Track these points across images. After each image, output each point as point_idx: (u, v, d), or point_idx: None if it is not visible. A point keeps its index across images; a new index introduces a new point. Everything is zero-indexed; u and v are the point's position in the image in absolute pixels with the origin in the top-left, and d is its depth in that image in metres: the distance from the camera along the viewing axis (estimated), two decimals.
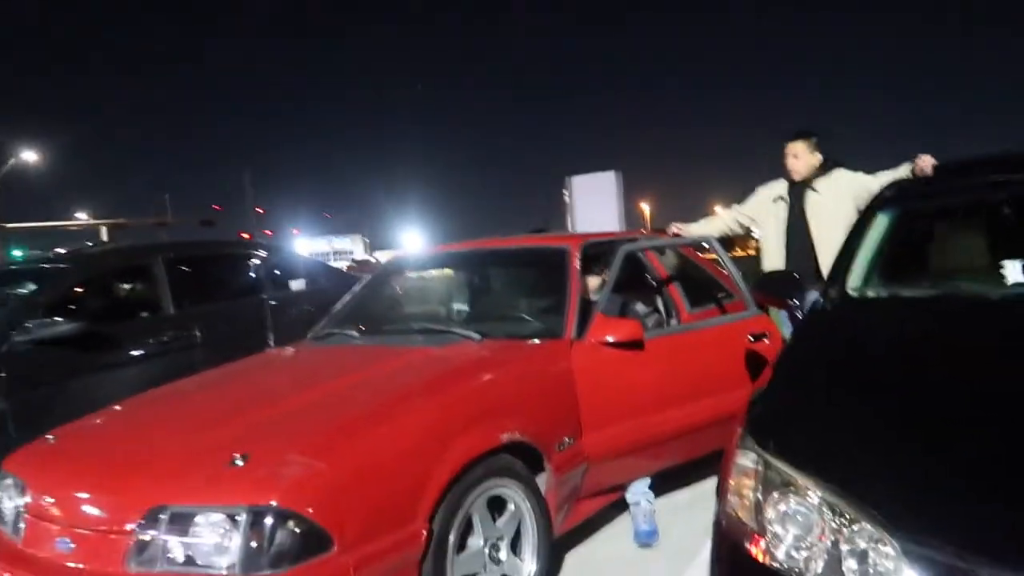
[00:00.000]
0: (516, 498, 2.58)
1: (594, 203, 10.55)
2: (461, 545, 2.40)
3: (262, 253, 5.15)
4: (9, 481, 2.52)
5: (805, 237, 3.91)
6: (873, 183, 3.72)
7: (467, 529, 2.43)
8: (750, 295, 3.51)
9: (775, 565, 1.45)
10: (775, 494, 1.51)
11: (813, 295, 2.85)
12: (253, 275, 4.99)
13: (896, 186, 2.93)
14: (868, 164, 4.03)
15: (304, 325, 3.97)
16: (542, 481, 2.72)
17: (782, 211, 4.07)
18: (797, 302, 2.63)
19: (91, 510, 2.23)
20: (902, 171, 3.48)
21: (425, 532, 2.22)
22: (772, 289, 2.84)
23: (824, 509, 1.44)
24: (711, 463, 3.50)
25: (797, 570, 1.43)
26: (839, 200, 3.87)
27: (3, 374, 3.58)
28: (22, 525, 2.37)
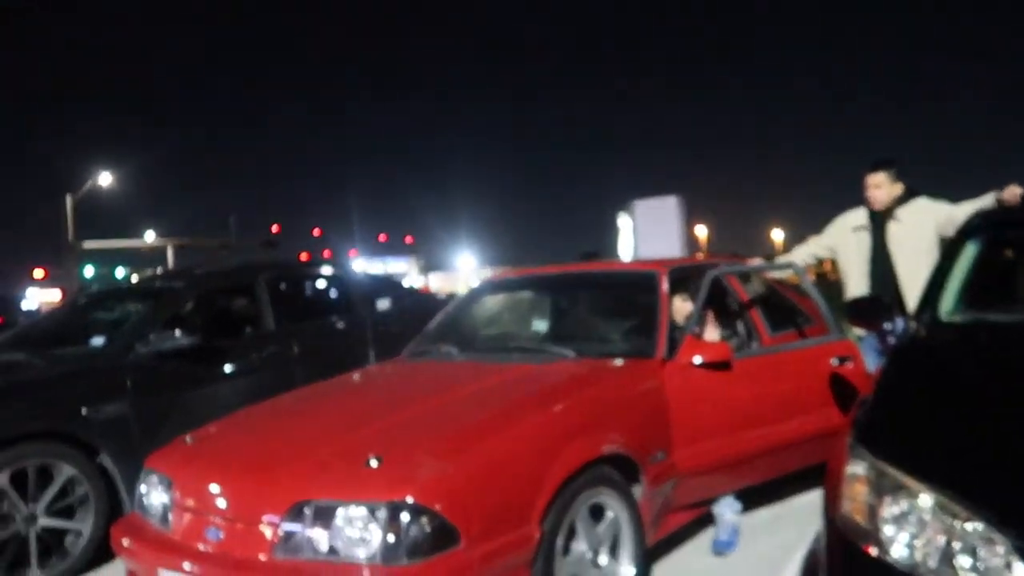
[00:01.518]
0: (615, 506, 2.74)
1: (657, 227, 10.67)
2: (565, 550, 2.57)
3: (351, 274, 5.44)
4: (155, 478, 2.79)
5: (887, 266, 3.99)
6: (957, 212, 3.81)
7: (570, 535, 2.60)
8: (834, 320, 3.62)
9: (890, 562, 1.59)
10: (888, 498, 1.66)
11: (899, 323, 2.97)
12: (344, 295, 5.28)
13: (984, 215, 3.04)
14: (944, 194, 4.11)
15: (393, 342, 4.22)
16: (637, 492, 2.88)
17: (864, 240, 4.16)
18: (889, 326, 2.75)
19: (238, 504, 2.46)
20: (987, 200, 3.57)
21: (537, 534, 2.40)
22: (864, 313, 2.96)
23: (937, 510, 1.58)
24: (793, 482, 3.63)
25: (911, 567, 1.57)
26: (921, 229, 3.95)
27: (128, 382, 3.89)
28: (170, 517, 2.62)
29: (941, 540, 1.56)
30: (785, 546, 3.32)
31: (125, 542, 2.68)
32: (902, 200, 4.07)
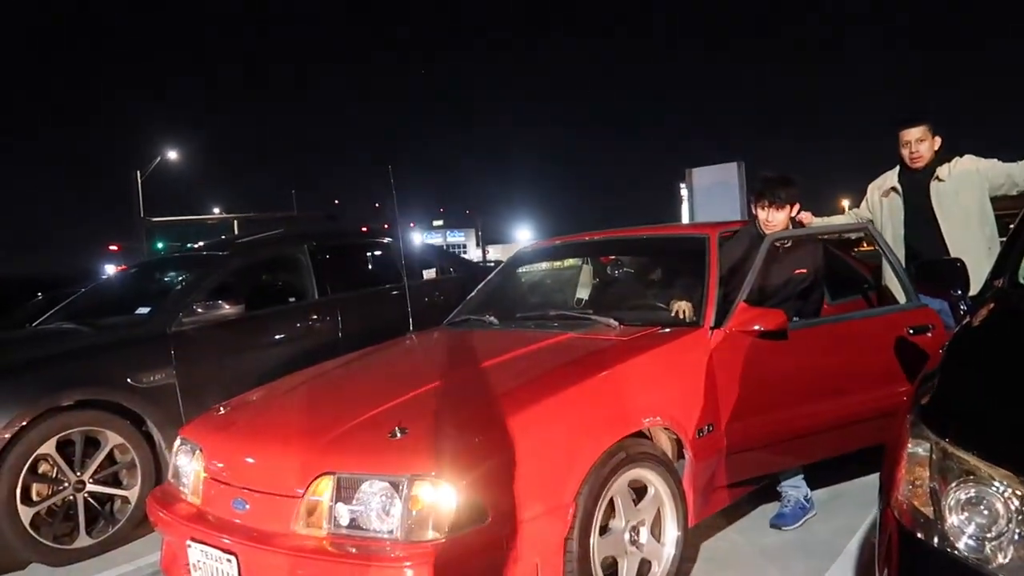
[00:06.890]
0: (656, 482, 2.59)
1: (715, 195, 10.31)
2: (603, 528, 2.43)
3: (395, 243, 5.35)
4: (187, 447, 2.76)
5: (930, 230, 3.63)
6: (1016, 170, 3.49)
7: (609, 512, 2.46)
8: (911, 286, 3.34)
9: (957, 555, 1.41)
10: (954, 483, 1.46)
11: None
12: (388, 264, 5.20)
13: None
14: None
15: (436, 312, 4.11)
16: (681, 467, 2.72)
17: (896, 202, 3.80)
18: (960, 292, 2.48)
19: (263, 475, 2.40)
20: None
21: (571, 511, 2.27)
22: (934, 278, 2.68)
23: (1012, 499, 1.38)
24: (853, 461, 3.39)
25: (981, 560, 1.38)
26: (970, 188, 3.60)
27: (173, 352, 3.89)
28: (200, 486, 2.59)
29: (1017, 533, 1.37)
30: (842, 530, 3.11)
31: (158, 512, 2.67)
32: (943, 157, 3.70)
